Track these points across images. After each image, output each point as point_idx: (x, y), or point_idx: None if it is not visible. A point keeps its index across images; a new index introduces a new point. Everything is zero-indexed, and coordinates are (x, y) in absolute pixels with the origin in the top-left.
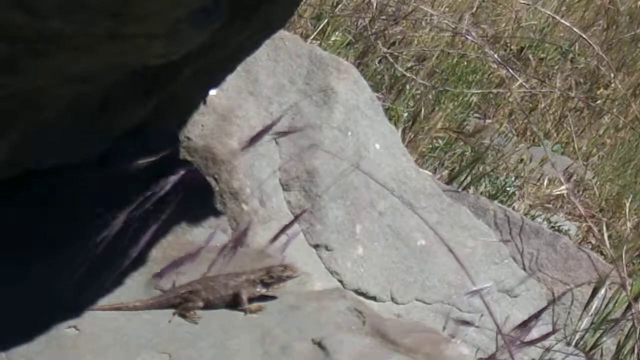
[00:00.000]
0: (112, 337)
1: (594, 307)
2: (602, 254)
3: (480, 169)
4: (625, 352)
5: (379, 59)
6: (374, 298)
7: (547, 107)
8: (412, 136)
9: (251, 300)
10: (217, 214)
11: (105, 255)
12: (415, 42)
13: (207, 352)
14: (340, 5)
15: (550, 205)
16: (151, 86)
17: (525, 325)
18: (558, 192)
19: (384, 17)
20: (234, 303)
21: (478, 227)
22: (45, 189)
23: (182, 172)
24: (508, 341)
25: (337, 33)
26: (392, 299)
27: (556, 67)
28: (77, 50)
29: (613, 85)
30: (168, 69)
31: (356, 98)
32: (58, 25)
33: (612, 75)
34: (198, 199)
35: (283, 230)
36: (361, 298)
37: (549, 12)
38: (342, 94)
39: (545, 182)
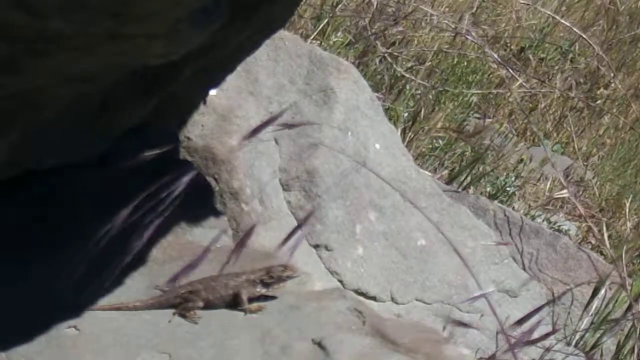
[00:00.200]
0: (112, 337)
1: (594, 307)
2: (602, 254)
3: (480, 169)
4: (625, 352)
5: (379, 59)
6: (374, 298)
7: (547, 107)
8: (412, 136)
9: (251, 300)
10: (217, 214)
11: (105, 254)
12: (415, 42)
13: (207, 352)
14: (340, 5)
15: (550, 207)
16: (151, 86)
17: (523, 322)
18: (559, 195)
19: (384, 17)
20: (234, 303)
21: (478, 227)
22: (45, 189)
23: (192, 172)
24: (511, 341)
25: (337, 33)
26: (392, 299)
27: (556, 67)
28: (77, 50)
29: (613, 85)
30: (168, 69)
31: (356, 98)
32: (58, 25)
33: (612, 75)
34: (198, 199)
35: (291, 234)
36: (361, 298)
37: (549, 12)
38: (342, 94)
39: (548, 185)
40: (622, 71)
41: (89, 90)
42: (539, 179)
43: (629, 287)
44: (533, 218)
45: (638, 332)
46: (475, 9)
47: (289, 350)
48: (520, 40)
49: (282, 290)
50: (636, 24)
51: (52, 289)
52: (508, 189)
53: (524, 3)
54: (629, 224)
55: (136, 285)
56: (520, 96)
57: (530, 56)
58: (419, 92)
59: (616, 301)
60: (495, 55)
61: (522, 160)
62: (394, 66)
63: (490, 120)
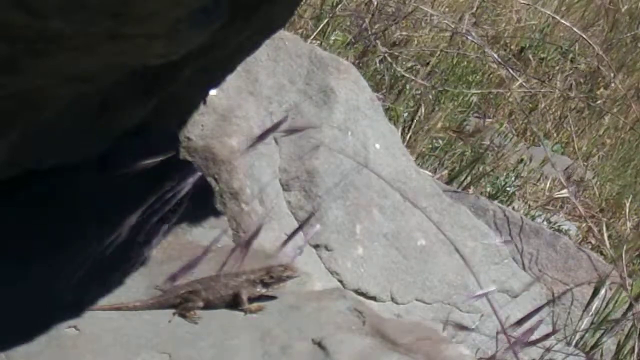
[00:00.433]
0: (112, 337)
1: (594, 307)
2: (602, 254)
3: (480, 169)
4: (625, 352)
5: (379, 59)
6: (374, 298)
7: (547, 107)
8: (412, 136)
9: (251, 300)
10: (217, 214)
11: (108, 256)
12: (415, 42)
13: (207, 352)
14: (340, 5)
15: (550, 207)
16: (151, 86)
17: (523, 322)
18: (559, 195)
19: (384, 17)
20: (234, 303)
21: (478, 227)
22: (45, 189)
23: (197, 174)
24: (512, 341)
25: (337, 33)
26: (392, 299)
27: (556, 67)
28: (77, 50)
29: (613, 85)
30: (168, 69)
31: (356, 98)
32: (58, 25)
33: (612, 75)
34: (198, 199)
35: (291, 236)
36: (361, 298)
37: (549, 12)
38: (342, 94)
39: (548, 185)
40: (622, 71)
41: (89, 90)
42: (539, 179)
43: (629, 287)
44: (533, 218)
45: (638, 332)
46: (475, 9)
47: (289, 350)
48: (520, 40)
49: (282, 290)
50: (636, 24)
51: (52, 289)
52: (508, 189)
53: (524, 3)
54: (629, 224)
55: (136, 285)
56: (520, 96)
57: (530, 56)
58: (419, 92)
59: (616, 301)
60: (495, 55)
61: (522, 160)
62: (394, 66)
63: (490, 120)
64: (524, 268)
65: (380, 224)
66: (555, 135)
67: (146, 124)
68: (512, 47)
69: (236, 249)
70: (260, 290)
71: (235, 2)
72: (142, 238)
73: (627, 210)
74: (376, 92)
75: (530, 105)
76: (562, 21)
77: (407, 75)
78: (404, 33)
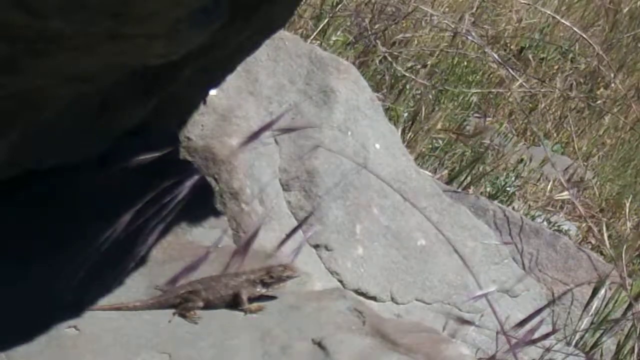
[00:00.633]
0: (112, 337)
1: (594, 307)
2: (602, 254)
3: (480, 169)
4: (625, 352)
5: (379, 59)
6: (374, 298)
7: (547, 107)
8: (412, 136)
9: (251, 300)
10: (217, 214)
11: (107, 256)
12: (415, 42)
13: (207, 352)
14: (340, 5)
15: (551, 207)
16: (151, 86)
17: (524, 324)
18: (560, 197)
19: (384, 17)
20: (234, 303)
21: (478, 227)
22: (45, 189)
23: (196, 176)
24: (511, 341)
25: (337, 33)
26: (392, 299)
27: (556, 67)
28: (77, 50)
29: (613, 85)
30: (168, 69)
31: (356, 98)
32: (58, 25)
33: (612, 75)
34: (198, 199)
35: (290, 235)
36: (361, 298)
37: (549, 12)
38: (342, 94)
39: (549, 186)
40: (622, 71)
41: (89, 90)
42: (539, 179)
43: (628, 287)
44: (533, 218)
45: (638, 332)
46: (475, 9)
47: (289, 350)
48: (520, 40)
49: (282, 290)
50: (636, 24)
51: (52, 289)
52: (508, 189)
53: (524, 3)
54: (629, 224)
55: (136, 285)
56: (520, 96)
57: (530, 56)
58: (419, 92)
59: (616, 301)
60: (495, 55)
61: (522, 160)
62: (394, 66)
63: (490, 120)
64: (524, 268)
65: (380, 224)
66: (555, 135)
67: (146, 124)
68: (512, 47)
69: (237, 251)
70: (260, 290)
71: (235, 2)
72: (138, 236)
73: (627, 210)
74: (376, 92)
75: (530, 105)
76: (562, 21)
77: (407, 75)
78: (404, 33)
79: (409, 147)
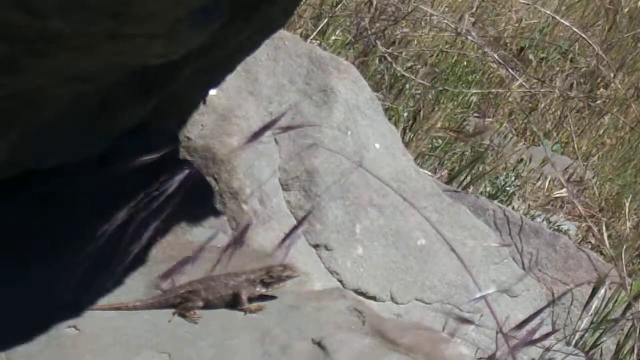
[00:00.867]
0: (112, 337)
1: (594, 307)
2: (602, 254)
3: (480, 169)
4: (625, 352)
5: (379, 59)
6: (374, 298)
7: (547, 107)
8: (412, 136)
9: (251, 300)
10: (217, 214)
11: (105, 254)
12: (415, 42)
13: (207, 352)
14: (340, 5)
15: (550, 207)
16: (151, 86)
17: (525, 325)
18: (559, 195)
19: (384, 17)
20: (234, 303)
21: (478, 227)
22: (45, 189)
23: (186, 171)
24: (510, 341)
25: (337, 33)
26: (392, 299)
27: (556, 68)
28: (77, 50)
29: (613, 85)
30: (168, 69)
31: (356, 98)
32: (58, 25)
33: (612, 75)
34: (198, 199)
35: (289, 235)
36: (361, 298)
37: (549, 12)
38: (342, 94)
39: (547, 184)
40: (622, 71)
41: (89, 90)
42: (539, 179)
43: (629, 287)
44: (533, 218)
45: (638, 332)
46: (475, 9)
47: (289, 350)
48: (520, 41)
49: (282, 290)
50: (636, 24)
51: (52, 289)
52: (508, 189)
53: (524, 3)
54: (629, 224)
55: (136, 285)
56: (520, 96)
57: (531, 56)
58: (419, 92)
59: (616, 301)
60: (496, 56)
61: (522, 160)
62: (394, 66)
63: (490, 120)
64: (524, 268)
65: (380, 224)
66: (555, 135)
67: (146, 124)
68: (512, 47)
69: (228, 247)
70: (260, 290)
71: (235, 2)
72: (132, 233)
73: (627, 210)
74: (376, 92)
75: (530, 105)
76: (562, 21)
77: (407, 75)
78: (404, 32)
79: (409, 147)
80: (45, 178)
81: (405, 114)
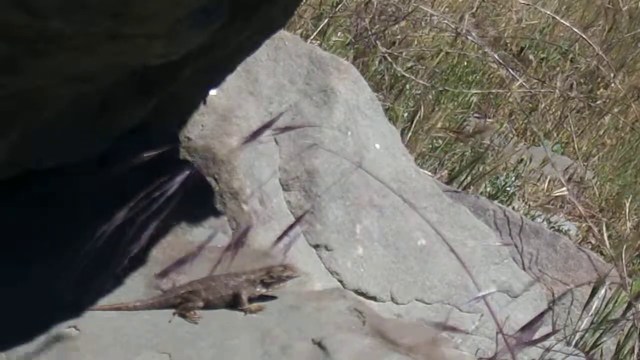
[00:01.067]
0: (112, 337)
1: (594, 307)
2: (602, 254)
3: (480, 169)
4: (625, 352)
5: (379, 59)
6: (374, 298)
7: (547, 107)
8: (412, 136)
9: (251, 300)
10: (217, 214)
11: (105, 254)
12: (415, 42)
13: (207, 352)
14: (340, 6)
15: (550, 206)
16: (151, 86)
17: (526, 329)
18: (559, 193)
19: (384, 17)
20: (234, 303)
21: (478, 227)
22: (45, 189)
23: (187, 172)
24: (510, 343)
25: (337, 33)
26: (392, 299)
27: (556, 68)
28: (77, 50)
29: (613, 85)
30: (168, 69)
31: (356, 98)
32: (58, 25)
33: (612, 75)
34: (198, 199)
35: (285, 232)
36: (361, 298)
37: (549, 12)
38: (342, 94)
39: (546, 184)
40: (622, 71)
41: (89, 90)
42: (539, 179)
43: (629, 287)
44: (533, 218)
45: (638, 332)
46: (475, 9)
47: (289, 350)
48: (520, 41)
49: (282, 290)
50: (636, 24)
51: (52, 289)
52: (508, 189)
53: (524, 3)
54: (629, 224)
55: (136, 285)
56: (520, 96)
57: (531, 56)
58: (419, 92)
59: (616, 301)
60: (496, 56)
61: (522, 160)
62: (394, 66)
63: (490, 120)
64: (524, 268)
65: (380, 223)
66: (555, 135)
67: (146, 124)
68: (512, 47)
69: (228, 247)
70: (260, 290)
71: (235, 2)
72: (132, 233)
73: (627, 210)
74: (376, 92)
75: (530, 105)
76: (562, 21)
77: (407, 75)
78: (404, 33)
79: (409, 147)
80: (45, 178)
81: (405, 114)
